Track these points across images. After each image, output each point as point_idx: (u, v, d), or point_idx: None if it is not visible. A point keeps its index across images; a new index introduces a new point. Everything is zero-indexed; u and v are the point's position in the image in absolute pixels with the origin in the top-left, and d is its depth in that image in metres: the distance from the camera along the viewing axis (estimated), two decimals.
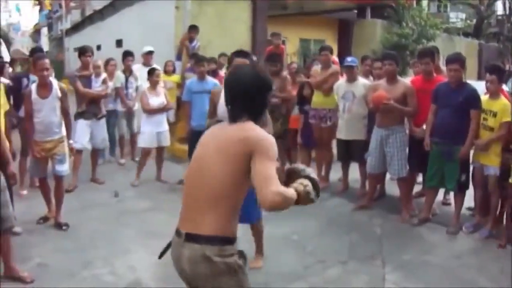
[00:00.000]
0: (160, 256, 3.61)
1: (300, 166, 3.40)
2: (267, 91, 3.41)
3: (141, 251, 6.48)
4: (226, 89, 3.43)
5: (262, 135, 3.13)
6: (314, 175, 3.30)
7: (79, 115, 9.61)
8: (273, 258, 6.15)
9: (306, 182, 3.19)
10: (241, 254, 3.25)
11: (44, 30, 59.83)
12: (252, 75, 3.38)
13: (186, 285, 3.43)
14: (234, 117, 3.31)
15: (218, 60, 12.40)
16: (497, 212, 7.29)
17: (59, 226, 7.33)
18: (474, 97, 7.11)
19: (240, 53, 6.02)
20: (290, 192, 3.02)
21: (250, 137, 3.10)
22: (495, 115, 6.96)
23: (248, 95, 3.32)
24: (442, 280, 5.85)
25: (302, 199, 3.11)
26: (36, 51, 9.43)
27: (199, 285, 3.23)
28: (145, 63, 11.66)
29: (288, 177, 3.26)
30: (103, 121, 9.93)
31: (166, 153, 10.79)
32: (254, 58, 9.79)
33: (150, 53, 11.96)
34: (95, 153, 9.98)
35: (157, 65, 11.33)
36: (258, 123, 3.30)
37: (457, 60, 7.24)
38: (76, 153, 8.64)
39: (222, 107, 5.48)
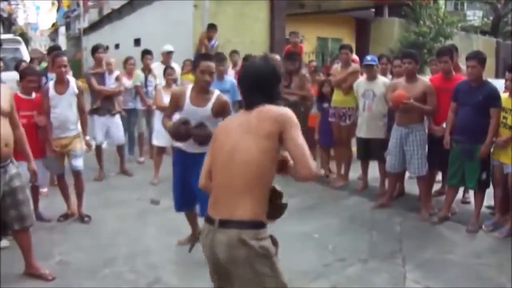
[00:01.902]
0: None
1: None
2: (279, 79, 3.62)
3: (162, 249, 6.51)
4: (243, 80, 3.65)
5: (287, 111, 3.35)
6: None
7: (94, 111, 9.83)
8: (294, 256, 6.16)
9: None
10: (273, 239, 3.36)
11: (62, 29, 60.14)
12: (266, 65, 3.60)
13: (214, 274, 3.50)
14: (251, 105, 3.45)
15: (231, 59, 12.41)
16: None
17: (81, 218, 7.51)
18: (494, 95, 7.08)
19: (206, 57, 6.07)
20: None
21: (279, 115, 3.31)
22: None
23: (264, 83, 3.49)
24: (462, 279, 5.82)
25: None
26: (54, 49, 9.64)
27: (234, 271, 3.30)
28: (164, 62, 11.69)
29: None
30: (117, 118, 10.02)
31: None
32: (276, 56, 9.83)
33: (170, 53, 11.99)
34: (120, 147, 10.17)
35: (176, 64, 11.39)
36: None
37: (474, 57, 7.21)
38: (96, 149, 8.83)
39: (190, 106, 5.81)
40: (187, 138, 5.66)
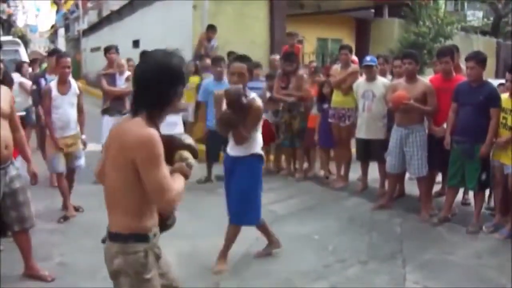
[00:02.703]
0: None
1: (177, 136, 3.46)
2: (172, 83, 3.15)
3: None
4: (133, 76, 3.26)
5: (140, 139, 2.97)
6: (190, 140, 3.43)
7: (104, 112, 9.98)
8: (294, 257, 6.17)
9: (186, 154, 3.28)
10: (148, 252, 3.22)
11: (61, 31, 60.14)
12: (160, 61, 3.15)
13: None
14: (134, 111, 3.14)
15: (227, 59, 12.40)
16: None
17: (75, 209, 7.86)
18: (494, 95, 7.09)
19: (238, 58, 5.90)
20: (178, 183, 3.11)
21: (129, 145, 2.98)
22: None
23: (149, 86, 3.11)
24: (462, 280, 5.81)
25: (189, 173, 3.26)
26: (54, 52, 9.73)
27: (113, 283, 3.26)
28: None
29: (166, 148, 3.14)
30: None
31: None
32: (276, 56, 9.78)
33: None
34: None
35: None
36: (158, 117, 3.20)
37: (472, 58, 7.23)
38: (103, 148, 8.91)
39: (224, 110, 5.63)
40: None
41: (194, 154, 3.34)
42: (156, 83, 3.08)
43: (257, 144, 5.77)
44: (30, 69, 14.21)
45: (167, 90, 3.12)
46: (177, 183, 3.10)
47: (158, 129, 3.15)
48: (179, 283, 3.69)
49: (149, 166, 2.95)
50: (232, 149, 5.82)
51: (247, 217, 5.86)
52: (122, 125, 3.18)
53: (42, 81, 9.23)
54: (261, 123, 5.75)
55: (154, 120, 3.14)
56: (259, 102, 5.64)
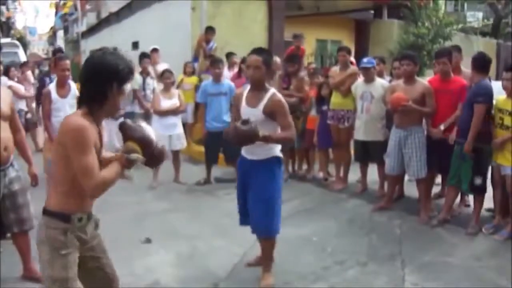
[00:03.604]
0: None
1: (133, 124, 3.55)
2: (105, 80, 3.36)
3: (160, 251, 6.51)
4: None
5: (70, 126, 3.28)
6: (144, 133, 3.50)
7: None
8: (293, 259, 6.16)
9: (131, 147, 3.44)
10: (67, 232, 3.45)
11: (60, 33, 60.21)
12: (91, 62, 3.44)
13: None
14: (78, 105, 3.48)
15: (228, 60, 12.40)
16: None
17: None
18: (478, 91, 7.08)
19: (255, 50, 5.44)
20: (109, 172, 3.34)
21: (62, 130, 3.32)
22: (510, 113, 6.88)
23: (85, 82, 3.41)
24: (462, 281, 5.79)
25: (128, 166, 3.44)
26: (57, 52, 9.75)
27: None
28: (152, 63, 11.80)
29: (122, 133, 3.49)
30: (120, 121, 10.02)
31: (184, 154, 10.82)
32: (276, 58, 9.77)
33: (154, 50, 12.15)
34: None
35: (174, 66, 11.40)
36: (98, 111, 3.42)
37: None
38: None
39: (245, 109, 5.39)
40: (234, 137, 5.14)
41: (146, 147, 3.48)
42: (90, 79, 3.37)
43: (277, 146, 5.41)
44: (29, 72, 14.29)
45: (100, 86, 3.34)
46: (108, 171, 3.35)
47: (98, 122, 3.47)
48: (115, 273, 3.99)
49: (76, 151, 3.23)
50: (248, 152, 5.45)
51: (272, 227, 5.45)
52: (66, 116, 3.48)
53: (47, 80, 9.24)
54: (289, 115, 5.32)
55: (93, 114, 3.39)
56: (279, 95, 5.35)
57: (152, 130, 3.59)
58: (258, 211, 5.36)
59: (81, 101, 3.42)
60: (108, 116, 3.61)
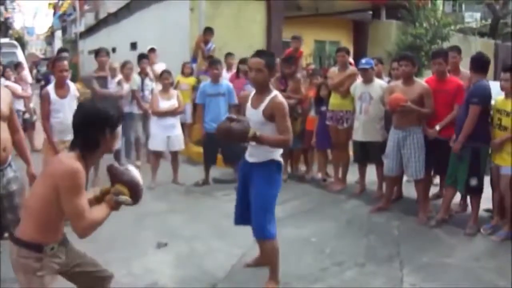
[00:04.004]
0: None
1: (121, 168, 3.71)
2: (97, 128, 3.56)
3: (159, 252, 6.51)
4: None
5: (66, 169, 3.42)
6: (132, 176, 3.68)
7: None
8: (292, 260, 6.16)
9: (120, 189, 3.63)
10: (42, 259, 3.61)
11: (58, 33, 60.29)
12: (82, 114, 3.60)
13: None
14: (70, 148, 3.62)
15: (226, 61, 12.40)
16: None
17: None
18: (475, 92, 7.09)
19: (257, 53, 5.38)
20: (97, 213, 3.54)
21: (55, 172, 3.46)
22: (508, 114, 6.89)
23: (77, 131, 3.59)
24: (460, 282, 5.80)
25: (116, 207, 3.66)
26: (61, 52, 9.77)
27: None
28: (150, 63, 11.84)
29: (110, 175, 3.68)
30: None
31: (182, 155, 10.82)
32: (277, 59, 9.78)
33: (152, 50, 12.20)
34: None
35: (173, 67, 11.39)
36: (89, 156, 3.61)
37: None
38: None
39: (248, 110, 5.38)
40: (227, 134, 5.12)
41: (133, 190, 3.68)
42: (83, 128, 3.55)
43: (277, 149, 5.35)
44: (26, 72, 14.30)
45: (92, 134, 3.54)
46: (96, 213, 3.53)
47: (88, 165, 3.62)
48: (104, 272, 4.18)
49: (70, 194, 3.39)
50: (249, 154, 5.44)
51: (268, 230, 5.32)
52: (59, 156, 3.81)
53: (52, 79, 9.26)
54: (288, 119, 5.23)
55: (85, 158, 3.56)
56: (280, 98, 5.23)
57: (137, 172, 3.75)
58: (253, 212, 5.33)
59: (73, 145, 3.58)
60: (101, 156, 3.88)
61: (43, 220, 3.53)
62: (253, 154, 5.37)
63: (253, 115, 5.24)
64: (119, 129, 3.78)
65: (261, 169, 5.32)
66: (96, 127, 3.53)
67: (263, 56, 5.24)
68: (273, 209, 5.38)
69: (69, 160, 3.46)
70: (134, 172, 3.70)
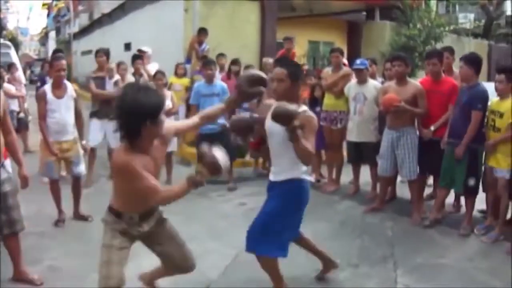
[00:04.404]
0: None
1: (205, 149, 3.81)
2: (142, 118, 3.62)
3: (153, 254, 6.48)
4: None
5: (117, 165, 3.82)
6: (213, 157, 3.76)
7: (93, 115, 9.94)
8: (285, 261, 6.12)
9: (200, 170, 3.81)
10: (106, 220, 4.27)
11: (52, 34, 60.15)
12: (126, 99, 3.65)
13: None
14: (120, 138, 3.81)
15: (218, 62, 12.36)
16: (507, 215, 7.25)
17: (84, 218, 7.70)
18: (476, 97, 7.08)
19: (279, 61, 5.16)
20: (175, 189, 3.94)
21: (112, 168, 4.20)
22: (502, 116, 6.91)
23: (120, 119, 3.68)
24: (454, 282, 5.81)
25: (193, 186, 3.84)
26: (56, 53, 9.73)
27: None
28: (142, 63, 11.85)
29: (198, 156, 3.82)
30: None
31: (176, 156, 10.79)
32: (269, 59, 9.74)
33: (140, 51, 12.24)
34: (112, 151, 10.00)
35: (167, 68, 11.38)
36: (136, 144, 3.75)
37: (461, 58, 7.37)
38: (90, 151, 8.89)
39: (268, 122, 4.99)
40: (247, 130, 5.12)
41: (211, 171, 3.80)
42: (124, 119, 3.65)
43: (298, 166, 5.04)
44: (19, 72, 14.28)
45: (133, 125, 3.64)
46: (173, 189, 3.99)
47: (143, 150, 3.80)
48: (187, 254, 4.84)
49: (130, 182, 3.76)
50: (272, 173, 5.16)
51: (262, 246, 5.04)
52: (115, 150, 4.13)
53: (47, 80, 9.25)
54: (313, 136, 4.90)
55: (134, 147, 3.74)
56: (309, 112, 5.02)
57: (221, 153, 3.81)
58: (255, 223, 5.13)
59: (121, 138, 3.77)
60: (152, 143, 3.89)
61: (123, 197, 4.10)
62: (274, 172, 5.15)
63: (275, 128, 4.75)
64: (162, 116, 3.79)
65: (279, 188, 5.08)
66: (137, 119, 3.60)
67: (285, 66, 4.90)
68: (279, 230, 5.10)
69: (116, 155, 3.82)
70: (217, 153, 3.78)
